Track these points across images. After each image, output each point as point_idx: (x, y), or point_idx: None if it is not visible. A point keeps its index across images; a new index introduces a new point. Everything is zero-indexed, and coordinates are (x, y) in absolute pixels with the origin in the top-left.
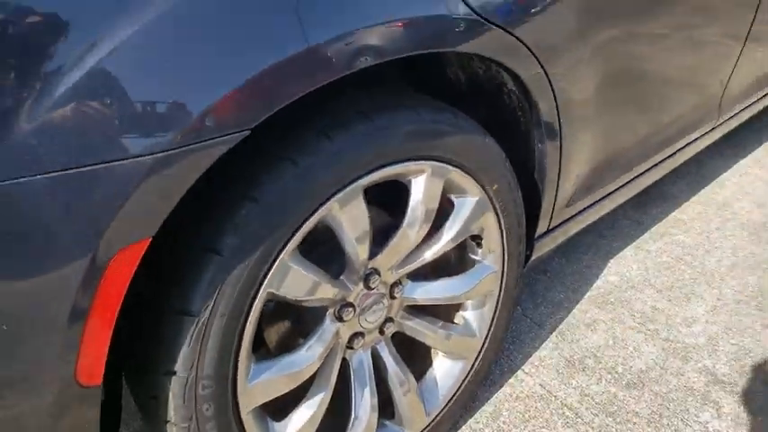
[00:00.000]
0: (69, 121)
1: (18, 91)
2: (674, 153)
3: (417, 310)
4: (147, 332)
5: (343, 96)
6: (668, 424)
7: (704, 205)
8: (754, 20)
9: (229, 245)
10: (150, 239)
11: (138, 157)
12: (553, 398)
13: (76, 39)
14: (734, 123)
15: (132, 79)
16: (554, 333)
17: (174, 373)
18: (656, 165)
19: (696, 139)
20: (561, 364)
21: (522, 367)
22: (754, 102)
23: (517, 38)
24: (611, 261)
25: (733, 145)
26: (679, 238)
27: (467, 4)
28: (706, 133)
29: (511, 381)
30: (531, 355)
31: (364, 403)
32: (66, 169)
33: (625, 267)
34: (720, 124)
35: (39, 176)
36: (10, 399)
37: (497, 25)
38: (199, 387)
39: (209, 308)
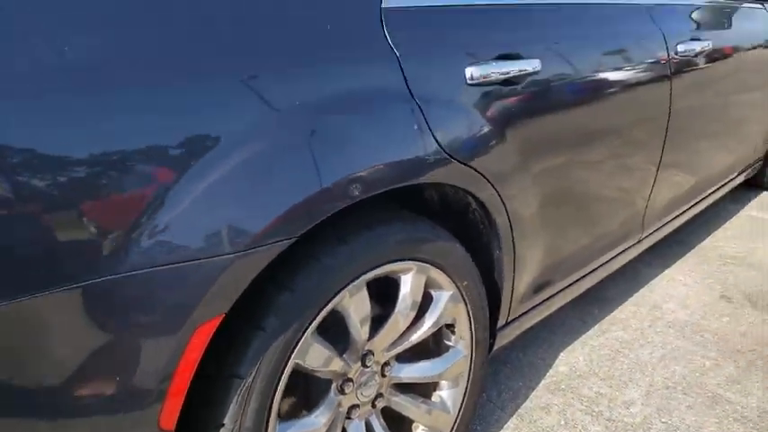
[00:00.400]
0: (171, 230)
1: (142, 210)
2: (609, 261)
3: (402, 388)
4: (202, 391)
5: (354, 212)
6: None
7: (638, 306)
8: (662, 152)
9: (271, 324)
10: (223, 316)
11: (219, 256)
12: None
13: (185, 174)
14: (658, 237)
15: (219, 203)
16: (514, 416)
17: (224, 425)
18: (594, 270)
19: (626, 250)
20: None
21: None
22: (673, 218)
23: (476, 170)
24: (562, 354)
25: (661, 255)
26: (618, 334)
27: (438, 145)
28: (634, 245)
29: None
30: None
31: None
32: (168, 264)
33: (573, 359)
34: (645, 237)
35: (149, 269)
36: None
37: (459, 161)
38: None
39: (253, 373)
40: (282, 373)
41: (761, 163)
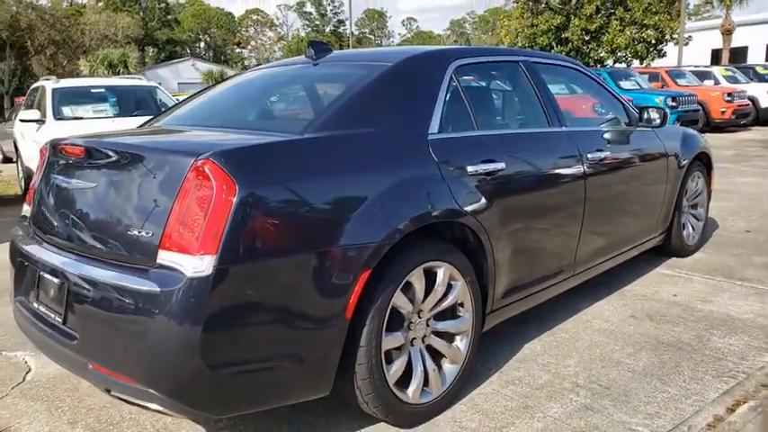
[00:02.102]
0: (357, 231)
1: (348, 222)
2: (552, 286)
3: (438, 335)
4: (356, 309)
5: (415, 235)
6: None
7: (576, 321)
8: (582, 222)
9: (386, 281)
10: (371, 270)
11: (374, 242)
12: (498, 394)
13: (362, 209)
14: (585, 276)
15: (372, 222)
16: (496, 372)
17: (365, 325)
18: (543, 289)
19: (563, 281)
20: (497, 381)
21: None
22: (594, 266)
23: (475, 218)
24: (526, 345)
25: (592, 294)
26: (562, 335)
27: (457, 204)
28: (568, 278)
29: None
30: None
31: (418, 372)
32: (357, 243)
33: (533, 347)
34: (576, 275)
35: (349, 244)
36: (320, 327)
37: (468, 213)
38: (372, 344)
39: (378, 301)
40: (389, 306)
41: (664, 235)
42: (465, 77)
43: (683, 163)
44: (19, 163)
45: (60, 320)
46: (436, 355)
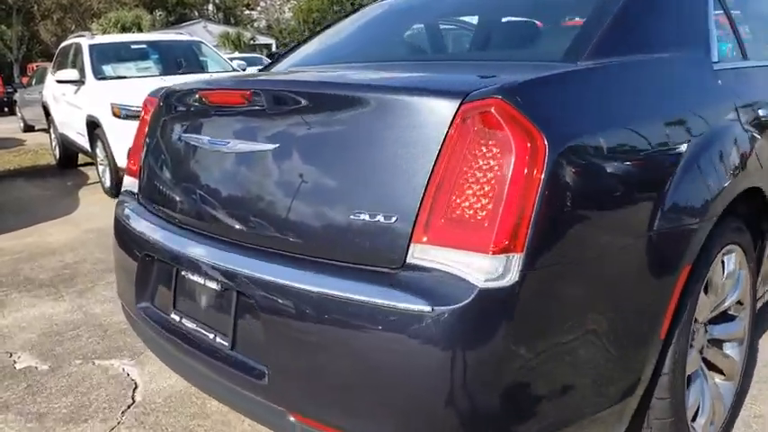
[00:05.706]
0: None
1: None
2: None
3: (712, 343)
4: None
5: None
6: None
7: None
8: None
9: (694, 279)
10: (691, 265)
11: (694, 224)
12: None
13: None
14: None
15: (681, 188)
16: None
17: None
18: None
19: None
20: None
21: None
22: None
23: None
24: None
25: None
26: None
27: (758, 161)
28: None
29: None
30: None
31: (707, 400)
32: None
33: None
34: None
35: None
36: (633, 345)
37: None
38: (677, 368)
39: (687, 310)
40: (693, 314)
41: None
42: None
43: None
44: (52, 129)
45: (227, 344)
46: (712, 371)
